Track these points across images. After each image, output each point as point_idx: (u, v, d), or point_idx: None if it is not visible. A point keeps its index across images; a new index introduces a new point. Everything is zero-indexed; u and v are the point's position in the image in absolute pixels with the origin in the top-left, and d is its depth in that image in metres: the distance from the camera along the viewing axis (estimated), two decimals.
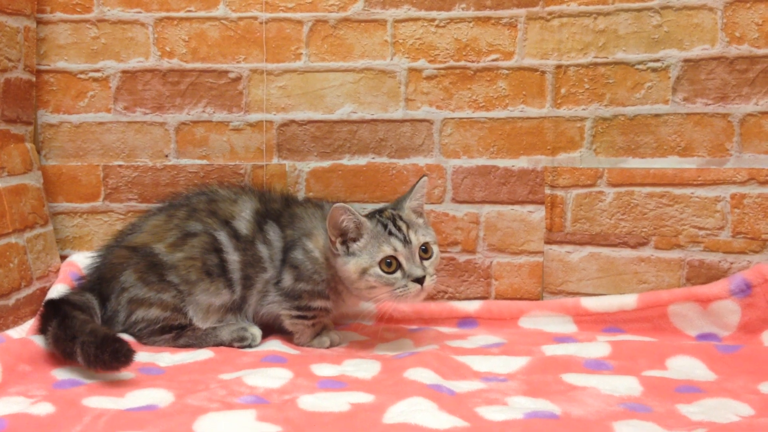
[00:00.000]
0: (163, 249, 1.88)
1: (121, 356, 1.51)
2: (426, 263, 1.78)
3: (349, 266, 1.78)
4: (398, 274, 1.75)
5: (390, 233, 1.77)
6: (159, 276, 1.85)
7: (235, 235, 1.90)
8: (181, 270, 1.85)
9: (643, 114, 2.08)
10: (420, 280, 1.74)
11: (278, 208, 1.96)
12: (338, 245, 1.79)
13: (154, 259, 1.86)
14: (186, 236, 1.89)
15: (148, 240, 1.90)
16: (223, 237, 1.89)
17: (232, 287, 1.89)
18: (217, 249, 1.88)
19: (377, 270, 1.75)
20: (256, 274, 1.89)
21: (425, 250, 1.79)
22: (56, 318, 1.65)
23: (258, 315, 1.92)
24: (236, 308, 1.91)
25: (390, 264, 1.75)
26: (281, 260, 1.88)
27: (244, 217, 1.92)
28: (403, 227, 1.78)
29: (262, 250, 1.90)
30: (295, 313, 1.88)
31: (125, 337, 1.82)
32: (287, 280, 1.87)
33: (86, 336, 1.55)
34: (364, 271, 1.76)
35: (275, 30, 2.18)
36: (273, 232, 1.91)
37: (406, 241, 1.76)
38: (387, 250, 1.75)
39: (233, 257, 1.89)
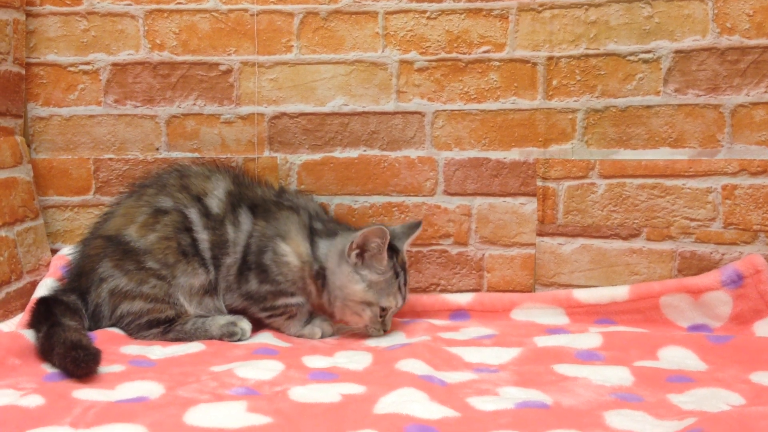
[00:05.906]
0: (135, 233, 1.84)
1: (81, 363, 1.50)
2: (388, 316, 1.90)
3: (356, 286, 1.83)
4: (380, 318, 1.88)
5: (399, 287, 1.88)
6: (136, 263, 1.82)
7: (205, 213, 1.88)
8: (158, 254, 1.83)
9: (634, 105, 2.08)
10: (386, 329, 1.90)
11: (254, 197, 1.94)
12: (353, 255, 1.83)
13: (127, 247, 1.83)
14: (157, 213, 1.86)
15: (120, 225, 1.86)
16: (193, 215, 1.87)
17: (206, 267, 1.86)
18: (187, 228, 1.86)
19: (376, 309, 1.85)
20: (222, 257, 1.87)
21: None
22: (46, 324, 1.64)
23: (226, 305, 1.90)
24: (212, 290, 1.88)
25: (384, 310, 1.86)
26: (242, 253, 1.87)
27: (216, 195, 1.90)
28: (405, 287, 1.90)
29: (231, 232, 1.87)
30: (265, 314, 1.89)
31: (116, 331, 1.82)
32: (253, 284, 1.86)
33: (60, 346, 1.55)
34: (365, 302, 1.84)
35: (266, 22, 2.17)
36: (245, 217, 1.89)
37: (401, 300, 1.90)
38: (391, 303, 1.87)
39: (203, 236, 1.87)
